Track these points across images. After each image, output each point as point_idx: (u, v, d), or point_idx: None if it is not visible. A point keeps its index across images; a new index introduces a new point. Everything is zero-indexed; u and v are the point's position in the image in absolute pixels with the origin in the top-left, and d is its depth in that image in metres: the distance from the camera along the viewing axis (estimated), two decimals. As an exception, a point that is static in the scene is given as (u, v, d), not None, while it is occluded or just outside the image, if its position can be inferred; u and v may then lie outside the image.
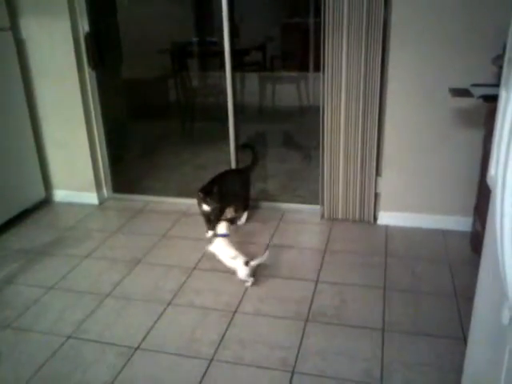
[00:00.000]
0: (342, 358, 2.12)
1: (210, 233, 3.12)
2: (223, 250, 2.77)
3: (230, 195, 3.32)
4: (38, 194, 3.77)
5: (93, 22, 3.49)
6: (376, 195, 3.28)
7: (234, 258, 2.70)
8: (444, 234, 3.15)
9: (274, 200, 3.71)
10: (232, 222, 2.70)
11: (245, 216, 3.43)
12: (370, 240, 3.15)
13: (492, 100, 2.40)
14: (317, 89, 3.43)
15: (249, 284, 2.68)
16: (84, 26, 3.46)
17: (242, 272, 2.65)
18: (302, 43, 5.91)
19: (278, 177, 4.14)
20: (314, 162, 3.40)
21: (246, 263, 2.64)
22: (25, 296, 2.67)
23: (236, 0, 3.34)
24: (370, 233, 3.24)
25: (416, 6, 2.81)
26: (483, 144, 2.85)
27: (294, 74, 5.86)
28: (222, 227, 2.84)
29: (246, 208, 3.44)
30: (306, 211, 3.53)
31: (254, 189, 3.73)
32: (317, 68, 3.20)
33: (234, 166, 3.62)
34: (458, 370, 1.85)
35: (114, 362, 2.15)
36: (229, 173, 3.44)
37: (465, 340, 2.18)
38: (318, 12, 3.01)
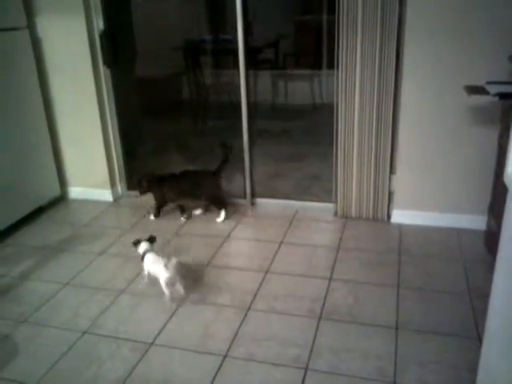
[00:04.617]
0: (355, 356, 2.12)
1: (152, 217, 3.53)
2: (148, 262, 2.59)
3: (182, 193, 3.46)
4: (54, 190, 3.81)
5: (107, 20, 3.52)
6: (390, 193, 3.27)
7: (157, 260, 2.52)
8: (458, 232, 3.13)
9: (287, 198, 3.71)
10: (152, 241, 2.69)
11: (222, 214, 3.48)
12: (384, 238, 3.14)
13: (508, 98, 2.39)
14: (330, 86, 3.42)
15: (166, 299, 2.48)
16: (99, 24, 3.49)
17: (163, 276, 2.44)
18: (315, 41, 5.89)
19: (291, 174, 4.14)
20: (328, 160, 3.39)
21: (166, 266, 2.43)
22: (40, 292, 2.70)
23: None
24: (384, 231, 3.23)
25: (431, 3, 2.79)
26: (498, 142, 2.83)
27: (307, 71, 5.86)
28: (142, 246, 2.65)
29: (221, 207, 3.48)
30: (319, 209, 3.53)
31: (267, 186, 3.76)
32: (330, 66, 3.19)
33: (247, 162, 3.62)
34: (472, 369, 1.84)
35: (128, 358, 2.17)
36: (188, 173, 3.53)
37: (479, 339, 2.17)
38: (331, 9, 3.00)
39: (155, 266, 2.50)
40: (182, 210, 3.55)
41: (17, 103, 3.39)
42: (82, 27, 3.41)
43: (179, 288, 2.50)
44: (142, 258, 2.61)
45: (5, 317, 2.50)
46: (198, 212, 3.57)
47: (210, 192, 3.47)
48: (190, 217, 3.53)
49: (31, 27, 3.45)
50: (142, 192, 3.46)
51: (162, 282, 2.45)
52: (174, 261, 2.44)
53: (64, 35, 3.46)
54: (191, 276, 2.78)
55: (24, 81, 3.45)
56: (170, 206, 3.56)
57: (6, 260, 3.06)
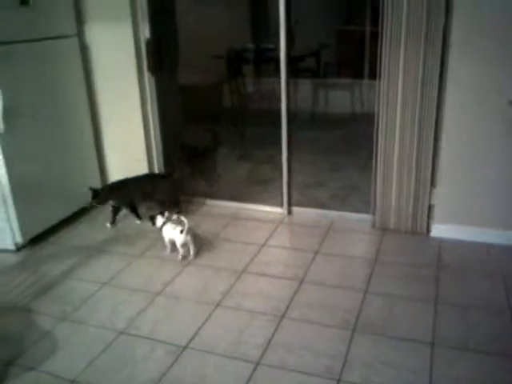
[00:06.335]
0: (388, 370, 2.10)
1: (108, 225, 3.57)
2: (167, 229, 3.08)
3: (135, 196, 3.63)
4: (96, 192, 3.91)
5: (153, 28, 3.60)
6: (430, 206, 3.22)
7: (174, 228, 3.02)
8: (500, 248, 3.04)
9: (325, 207, 3.69)
10: (162, 214, 3.16)
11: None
12: (423, 252, 3.09)
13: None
14: (371, 96, 3.41)
15: (179, 258, 3.03)
16: (145, 32, 3.57)
17: (179, 239, 2.98)
18: (356, 50, 5.88)
19: (329, 184, 4.13)
20: (367, 171, 3.37)
21: (181, 231, 2.96)
22: (80, 291, 2.78)
23: (292, 7, 3.35)
24: (423, 245, 3.18)
25: (477, 16, 2.74)
26: (545, 157, 2.75)
27: (348, 80, 5.84)
28: (159, 220, 3.14)
29: (175, 205, 3.63)
30: (356, 220, 3.50)
31: (304, 195, 3.75)
32: (372, 76, 3.17)
33: (285, 171, 3.62)
34: (511, 390, 1.80)
35: (162, 360, 2.21)
36: (143, 176, 3.68)
37: (519, 359, 2.11)
38: (373, 20, 2.99)
39: (173, 233, 3.01)
40: (137, 214, 3.63)
41: (64, 107, 3.50)
42: (128, 35, 3.50)
43: (191, 249, 3.04)
44: (161, 229, 3.10)
45: (46, 314, 2.58)
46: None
47: (164, 193, 3.63)
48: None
49: (80, 34, 3.56)
50: (99, 202, 3.43)
51: (178, 244, 2.99)
52: (186, 226, 2.96)
53: (111, 42, 3.55)
54: (225, 282, 2.81)
55: (72, 85, 3.56)
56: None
57: (48, 258, 3.16)
